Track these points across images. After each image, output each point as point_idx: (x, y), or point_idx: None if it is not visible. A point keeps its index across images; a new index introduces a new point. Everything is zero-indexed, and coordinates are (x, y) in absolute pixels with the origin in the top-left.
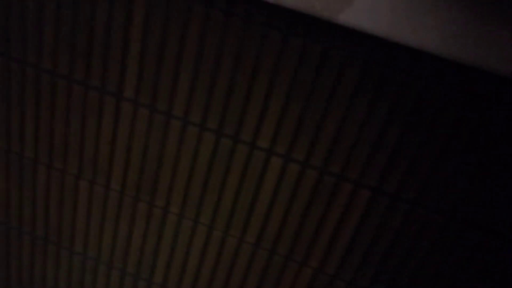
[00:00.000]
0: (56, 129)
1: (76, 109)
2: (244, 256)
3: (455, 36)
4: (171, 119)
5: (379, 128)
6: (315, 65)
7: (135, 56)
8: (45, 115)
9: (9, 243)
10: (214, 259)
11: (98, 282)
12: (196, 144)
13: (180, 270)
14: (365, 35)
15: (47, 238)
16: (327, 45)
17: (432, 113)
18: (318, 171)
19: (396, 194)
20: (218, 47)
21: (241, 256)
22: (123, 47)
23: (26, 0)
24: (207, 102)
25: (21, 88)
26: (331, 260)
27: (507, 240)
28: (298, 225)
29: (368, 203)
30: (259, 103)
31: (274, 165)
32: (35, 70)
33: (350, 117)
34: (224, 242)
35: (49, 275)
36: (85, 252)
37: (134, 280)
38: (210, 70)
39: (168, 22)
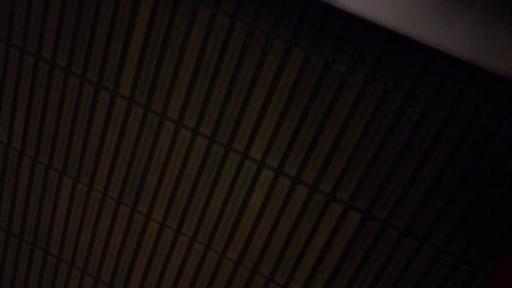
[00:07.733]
0: (47, 120)
1: (70, 102)
2: (224, 273)
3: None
4: (165, 120)
5: (374, 149)
6: (315, 78)
7: (135, 54)
8: (36, 106)
9: None
10: (193, 273)
11: None
12: (188, 148)
13: (156, 283)
14: (365, 52)
15: (22, 236)
16: (329, 59)
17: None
18: (309, 188)
19: (386, 220)
20: (220, 52)
21: (221, 272)
22: (124, 44)
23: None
24: (203, 106)
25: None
26: (314, 286)
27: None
28: (284, 245)
29: (358, 227)
30: (255, 112)
31: (265, 177)
32: (35, 60)
33: (347, 133)
34: (205, 256)
35: (19, 275)
36: (60, 254)
37: None
38: (210, 75)
39: (173, 22)
